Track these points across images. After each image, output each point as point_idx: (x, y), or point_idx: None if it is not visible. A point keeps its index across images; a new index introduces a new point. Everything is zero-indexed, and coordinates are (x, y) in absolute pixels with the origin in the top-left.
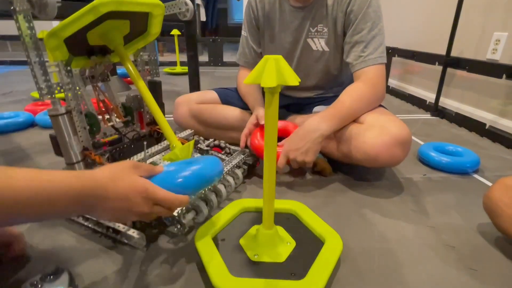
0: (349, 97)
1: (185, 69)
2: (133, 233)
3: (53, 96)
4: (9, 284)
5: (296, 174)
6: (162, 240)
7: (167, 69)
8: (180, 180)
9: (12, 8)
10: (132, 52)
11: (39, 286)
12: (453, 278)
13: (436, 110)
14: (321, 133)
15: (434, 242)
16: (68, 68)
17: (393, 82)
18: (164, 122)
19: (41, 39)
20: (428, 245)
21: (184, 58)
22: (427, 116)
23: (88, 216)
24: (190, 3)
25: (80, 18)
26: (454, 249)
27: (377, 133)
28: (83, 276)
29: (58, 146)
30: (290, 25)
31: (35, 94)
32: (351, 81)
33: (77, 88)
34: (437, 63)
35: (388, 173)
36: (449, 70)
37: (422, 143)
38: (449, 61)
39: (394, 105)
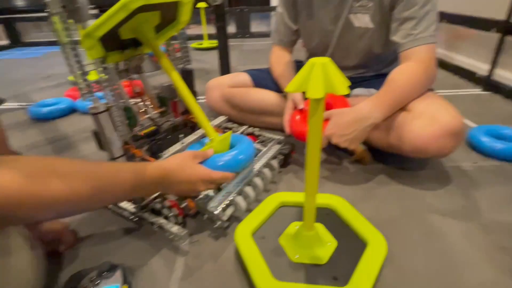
0: (401, 80)
1: (213, 43)
2: (177, 230)
3: (92, 94)
4: (67, 273)
5: (334, 163)
6: (204, 234)
7: (194, 44)
8: (221, 163)
9: (47, 11)
10: (163, 41)
11: (97, 283)
12: (505, 287)
13: (489, 84)
14: (372, 122)
15: (486, 244)
16: (105, 65)
17: (438, 51)
18: (201, 115)
19: None
20: (480, 247)
21: (210, 30)
22: (478, 91)
23: (136, 210)
24: None
25: (112, 16)
26: (508, 253)
27: (426, 122)
28: (133, 270)
29: (100, 142)
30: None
31: (73, 78)
32: (394, 58)
33: (115, 84)
34: (495, 29)
35: (434, 161)
36: (508, 38)
37: (472, 124)
38: (509, 27)
39: (438, 77)
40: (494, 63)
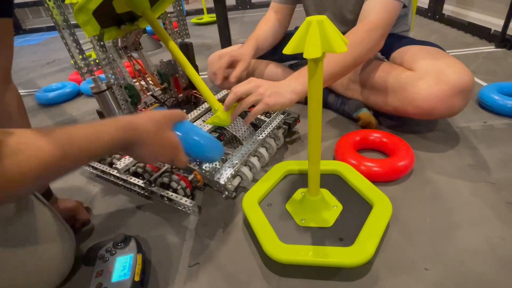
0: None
1: (213, 17)
2: (186, 201)
3: (93, 73)
4: (85, 247)
5: (341, 129)
6: (212, 205)
7: (194, 19)
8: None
9: None
10: (159, 14)
11: (113, 252)
12: None
13: (503, 40)
14: (292, 89)
15: (494, 201)
16: (102, 43)
17: (448, 9)
18: (202, 85)
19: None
20: (487, 204)
21: (210, 4)
22: (491, 48)
23: (143, 185)
24: None
25: None
26: None
27: (432, 82)
28: (147, 241)
29: None
30: None
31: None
32: None
33: (114, 60)
34: None
35: (441, 122)
36: None
37: (483, 83)
38: None
39: (448, 37)
40: (509, 16)
